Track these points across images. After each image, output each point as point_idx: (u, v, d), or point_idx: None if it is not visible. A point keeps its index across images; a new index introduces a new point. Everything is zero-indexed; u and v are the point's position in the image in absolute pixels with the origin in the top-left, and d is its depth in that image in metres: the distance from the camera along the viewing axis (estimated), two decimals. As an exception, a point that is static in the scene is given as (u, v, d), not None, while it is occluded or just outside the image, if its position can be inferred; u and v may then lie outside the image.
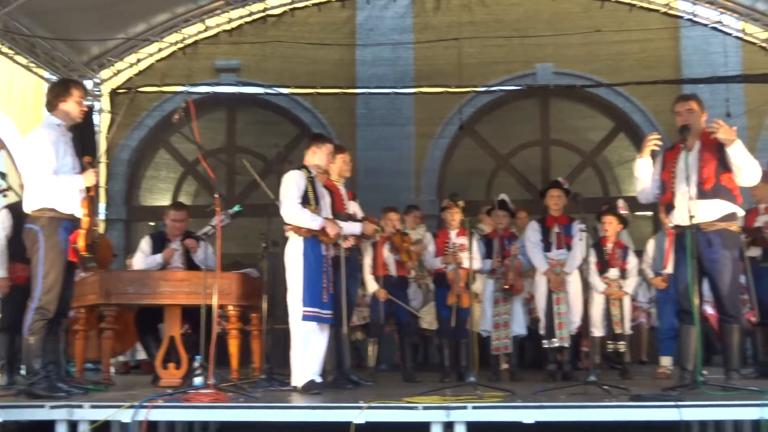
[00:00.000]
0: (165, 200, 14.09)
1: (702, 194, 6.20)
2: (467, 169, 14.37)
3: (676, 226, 6.43)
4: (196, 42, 13.64)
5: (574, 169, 14.06)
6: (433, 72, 13.47)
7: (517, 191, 13.32)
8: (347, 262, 7.28)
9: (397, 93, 13.54)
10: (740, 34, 12.28)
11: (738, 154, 6.10)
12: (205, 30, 13.41)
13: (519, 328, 8.69)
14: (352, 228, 7.33)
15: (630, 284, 8.86)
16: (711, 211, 6.19)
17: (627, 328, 8.80)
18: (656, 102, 13.34)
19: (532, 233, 8.51)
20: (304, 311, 6.59)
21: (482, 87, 13.53)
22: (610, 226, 8.77)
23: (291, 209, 6.70)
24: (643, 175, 6.50)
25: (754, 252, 8.28)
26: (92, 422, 5.24)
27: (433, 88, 13.34)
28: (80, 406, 5.31)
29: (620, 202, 9.46)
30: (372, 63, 13.94)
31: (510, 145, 14.43)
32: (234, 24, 13.50)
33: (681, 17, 12.58)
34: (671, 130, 6.51)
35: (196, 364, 6.15)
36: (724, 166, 6.26)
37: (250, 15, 13.57)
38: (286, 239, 6.86)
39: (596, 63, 13.64)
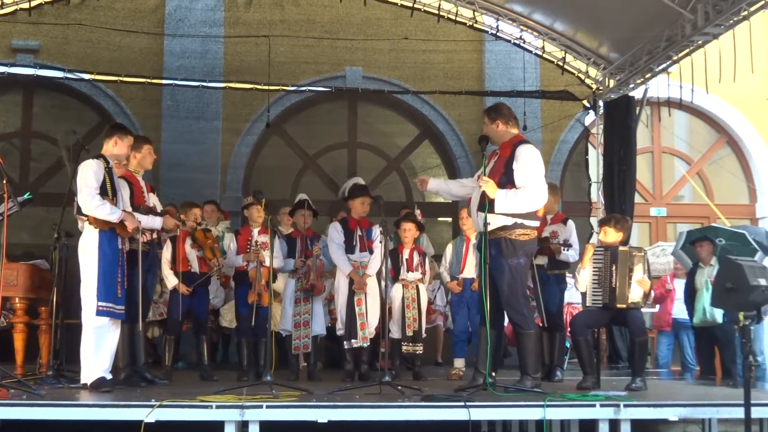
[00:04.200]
0: (-50, 185, 13.20)
1: (482, 206, 6.49)
2: (274, 167, 14.31)
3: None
4: (-10, 18, 12.87)
5: (379, 173, 14.30)
6: (243, 68, 13.33)
7: (322, 192, 13.40)
8: (145, 257, 7.10)
9: (205, 87, 13.27)
10: (539, 52, 12.83)
11: (501, 203, 6.47)
12: (1, 6, 12.63)
13: (319, 327, 8.72)
14: (152, 222, 7.16)
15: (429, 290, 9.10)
16: (492, 221, 6.50)
17: (423, 331, 9.01)
18: (460, 112, 13.77)
19: (336, 234, 8.55)
20: (98, 306, 6.40)
21: (291, 86, 13.50)
22: (409, 232, 8.95)
23: (89, 200, 6.46)
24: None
25: (541, 260, 8.68)
26: None
27: (242, 84, 13.19)
28: None
29: (416, 209, 9.66)
30: (180, 54, 13.62)
31: (317, 146, 14.49)
32: (34, 2, 12.79)
33: (486, 32, 12.96)
34: (472, 139, 6.78)
35: (-24, 359, 5.84)
36: (508, 179, 6.56)
37: (51, -5, 12.91)
38: (80, 230, 6.61)
39: (404, 70, 13.94)
